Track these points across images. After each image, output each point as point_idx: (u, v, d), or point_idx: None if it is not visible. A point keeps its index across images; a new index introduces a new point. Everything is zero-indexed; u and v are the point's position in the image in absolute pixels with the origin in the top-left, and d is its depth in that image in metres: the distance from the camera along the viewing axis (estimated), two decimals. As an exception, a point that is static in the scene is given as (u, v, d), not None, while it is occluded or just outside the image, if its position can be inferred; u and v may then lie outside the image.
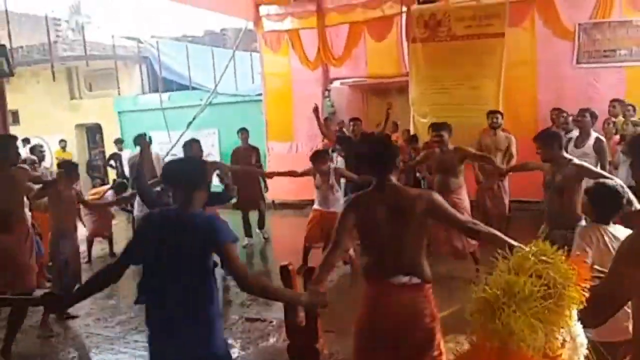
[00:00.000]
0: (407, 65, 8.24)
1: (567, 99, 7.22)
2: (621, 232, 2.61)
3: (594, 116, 5.41)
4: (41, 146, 8.10)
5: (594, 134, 5.21)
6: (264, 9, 9.24)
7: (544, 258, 1.68)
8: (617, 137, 5.76)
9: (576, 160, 3.92)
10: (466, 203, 5.16)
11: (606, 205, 2.74)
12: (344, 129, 9.78)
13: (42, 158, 7.63)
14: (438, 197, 2.49)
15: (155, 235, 2.23)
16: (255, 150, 7.51)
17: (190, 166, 2.47)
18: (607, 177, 3.46)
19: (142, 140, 4.72)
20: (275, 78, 9.76)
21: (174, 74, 12.01)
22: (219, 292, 2.33)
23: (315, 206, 5.74)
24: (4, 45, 6.03)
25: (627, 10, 7.17)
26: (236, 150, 7.44)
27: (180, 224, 2.22)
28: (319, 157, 5.69)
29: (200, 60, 11.58)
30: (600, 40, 7.20)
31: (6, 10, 7.98)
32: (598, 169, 4.33)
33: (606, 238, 2.63)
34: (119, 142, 10.61)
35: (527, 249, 1.76)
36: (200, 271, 2.20)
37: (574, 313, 1.64)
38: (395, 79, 9.05)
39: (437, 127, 5.30)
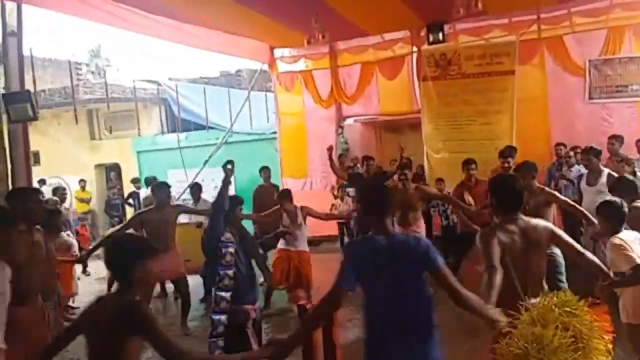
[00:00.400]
0: (419, 102, 8.37)
1: (580, 134, 7.27)
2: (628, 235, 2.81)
3: (598, 155, 5.41)
4: (64, 188, 8.32)
5: (605, 170, 5.21)
6: (278, 52, 9.54)
7: (567, 309, 1.67)
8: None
9: (547, 189, 4.48)
10: None
11: (617, 216, 2.93)
12: (358, 165, 9.90)
13: (63, 200, 7.81)
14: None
15: (370, 261, 2.23)
16: (277, 187, 7.70)
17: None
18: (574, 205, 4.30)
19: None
20: (289, 116, 9.96)
21: (192, 114, 12.32)
22: None
23: (281, 246, 5.76)
24: (28, 91, 6.21)
25: (636, 46, 7.26)
26: (259, 188, 7.74)
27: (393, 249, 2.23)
28: (285, 196, 5.85)
29: (216, 100, 11.88)
30: (612, 76, 7.27)
31: (31, 57, 8.33)
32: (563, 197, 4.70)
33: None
34: (135, 181, 10.80)
35: (550, 299, 1.76)
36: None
37: None
38: (407, 115, 9.19)
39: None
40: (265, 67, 10.08)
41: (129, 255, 2.19)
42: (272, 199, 7.25)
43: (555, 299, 1.75)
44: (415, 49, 8.23)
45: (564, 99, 7.63)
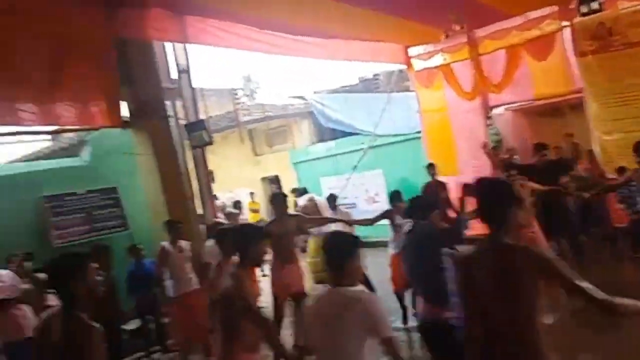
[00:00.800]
0: (579, 80, 7.48)
1: None
2: None
3: None
4: (239, 202, 9.42)
5: None
6: (413, 50, 9.38)
7: None
8: None
9: None
10: None
11: None
12: (516, 157, 9.17)
13: (241, 211, 8.87)
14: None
15: None
16: (444, 184, 7.79)
17: None
18: None
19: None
20: (432, 113, 9.72)
21: (337, 122, 12.83)
22: None
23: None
24: (203, 120, 7.19)
25: None
26: (427, 185, 7.75)
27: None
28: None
29: (358, 106, 12.19)
30: None
31: (202, 88, 9.55)
32: None
33: None
34: (294, 191, 11.59)
35: None
36: None
37: None
38: (565, 97, 8.28)
39: None
40: (402, 67, 10.01)
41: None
42: (441, 195, 7.17)
43: None
44: (566, 23, 7.35)
45: None
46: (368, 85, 13.77)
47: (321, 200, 8.85)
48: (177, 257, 5.33)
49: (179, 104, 7.15)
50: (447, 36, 8.54)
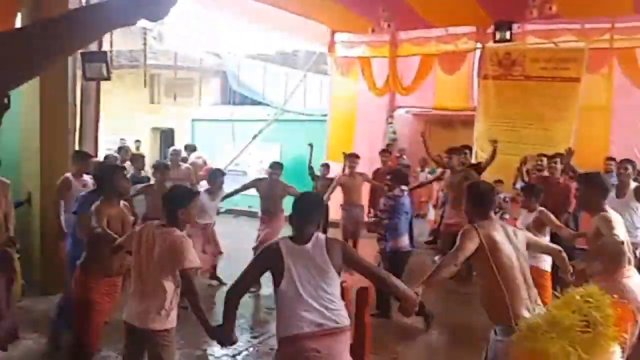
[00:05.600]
0: (476, 100, 8.30)
1: (639, 150, 7.04)
2: None
3: (635, 168, 5.31)
4: (125, 148, 8.79)
5: (633, 184, 5.05)
6: (339, 36, 9.61)
7: (590, 299, 1.88)
8: None
9: None
10: None
11: None
12: (404, 157, 9.92)
13: (125, 161, 8.19)
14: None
15: None
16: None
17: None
18: None
19: None
20: (342, 101, 10.06)
21: (249, 89, 12.62)
22: None
23: None
24: (105, 52, 6.58)
25: None
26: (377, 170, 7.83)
27: None
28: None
29: (273, 78, 12.13)
30: (681, 95, 7.00)
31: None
32: None
33: None
34: (187, 147, 11.17)
35: (578, 290, 1.99)
36: None
37: (616, 349, 1.82)
38: (461, 112, 9.12)
39: None
40: (324, 49, 10.19)
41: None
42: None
43: (582, 289, 1.97)
44: (479, 45, 8.13)
45: (628, 113, 7.40)
46: (286, 60, 13.73)
47: (207, 158, 8.81)
48: (79, 191, 4.84)
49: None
50: (373, 30, 8.90)
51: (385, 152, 8.25)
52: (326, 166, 7.90)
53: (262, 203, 6.18)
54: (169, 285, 2.73)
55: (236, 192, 6.31)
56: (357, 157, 6.85)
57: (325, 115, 10.49)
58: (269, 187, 6.11)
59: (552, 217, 4.19)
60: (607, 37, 7.25)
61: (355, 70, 9.66)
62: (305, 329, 2.30)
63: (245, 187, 6.38)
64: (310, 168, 7.62)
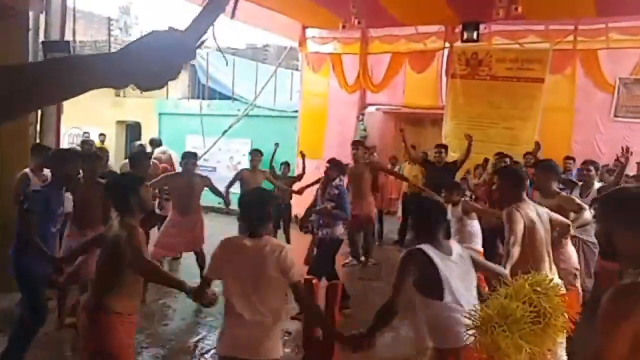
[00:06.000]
0: (444, 99, 8.42)
1: (601, 150, 7.28)
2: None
3: (597, 169, 5.46)
4: (88, 141, 8.47)
5: (596, 185, 5.17)
6: (310, 32, 9.56)
7: (538, 288, 1.89)
8: None
9: None
10: None
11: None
12: (375, 154, 9.96)
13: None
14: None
15: None
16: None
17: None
18: None
19: None
20: (313, 97, 10.03)
21: (218, 83, 12.41)
22: None
23: None
24: (68, 41, 6.36)
25: (669, 69, 7.23)
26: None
27: None
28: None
29: (243, 72, 11.96)
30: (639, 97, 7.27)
31: (74, 9, 8.44)
32: None
33: None
34: (152, 142, 10.85)
35: (525, 278, 1.99)
36: None
37: (560, 339, 1.84)
38: (430, 110, 9.24)
39: None
40: (294, 44, 10.12)
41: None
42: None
43: (530, 278, 1.97)
44: (447, 44, 8.23)
45: (589, 114, 7.64)
46: (256, 54, 13.59)
47: (175, 154, 8.63)
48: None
49: (43, 17, 6.24)
50: (343, 27, 8.88)
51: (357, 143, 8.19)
52: (286, 165, 7.88)
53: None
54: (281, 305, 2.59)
55: (228, 188, 6.22)
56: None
57: (296, 111, 10.45)
58: (252, 176, 6.22)
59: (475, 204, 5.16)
60: (570, 39, 7.45)
61: (326, 67, 9.64)
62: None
63: (232, 183, 6.39)
64: (272, 167, 7.58)
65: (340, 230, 5.25)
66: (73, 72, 0.89)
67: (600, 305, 1.55)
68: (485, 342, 1.83)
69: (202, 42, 0.96)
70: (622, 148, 4.81)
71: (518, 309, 1.81)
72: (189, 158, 5.64)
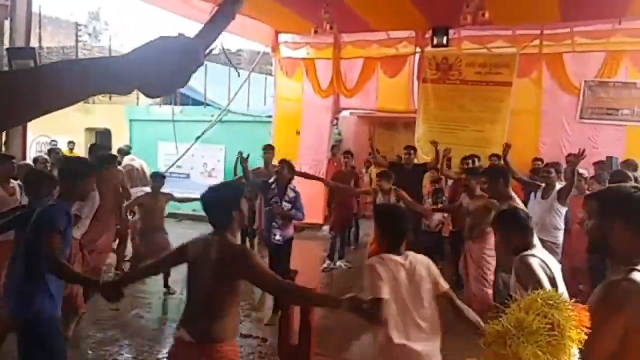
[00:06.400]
0: (416, 103, 8.51)
1: (567, 151, 7.46)
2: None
3: (558, 171, 5.59)
4: (56, 150, 8.25)
5: (558, 186, 5.28)
6: (282, 37, 9.55)
7: (550, 302, 1.93)
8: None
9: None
10: None
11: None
12: (349, 157, 9.98)
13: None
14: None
15: None
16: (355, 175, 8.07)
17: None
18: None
19: None
20: (287, 102, 10.01)
21: (190, 89, 12.28)
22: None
23: None
24: (34, 48, 6.23)
25: (632, 72, 7.47)
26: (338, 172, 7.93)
27: None
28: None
29: (216, 78, 11.87)
30: (604, 99, 7.49)
31: (40, 14, 8.25)
32: None
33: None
34: (120, 151, 10.50)
35: (537, 293, 2.04)
36: None
37: (574, 351, 1.89)
38: (403, 114, 9.32)
39: None
40: (268, 49, 10.09)
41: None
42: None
43: (541, 293, 2.02)
44: (418, 49, 8.33)
45: (556, 116, 7.83)
46: (229, 59, 13.50)
47: (144, 163, 8.52)
48: (6, 200, 4.47)
49: (7, 24, 6.09)
50: (316, 32, 8.90)
51: (343, 153, 8.42)
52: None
53: None
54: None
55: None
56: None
57: (270, 116, 10.40)
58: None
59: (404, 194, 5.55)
60: (536, 43, 7.63)
61: (299, 72, 9.64)
62: None
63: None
64: (236, 176, 7.58)
65: (292, 230, 5.31)
66: (73, 76, 0.83)
67: (590, 300, 1.60)
68: (505, 355, 1.86)
69: (211, 50, 0.95)
70: (579, 150, 4.88)
71: (534, 321, 1.86)
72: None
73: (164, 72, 0.85)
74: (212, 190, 2.50)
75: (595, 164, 6.42)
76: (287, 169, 5.28)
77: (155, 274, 3.08)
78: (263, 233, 5.49)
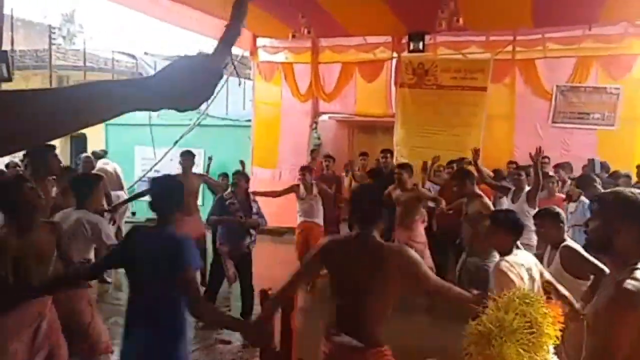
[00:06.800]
0: (394, 107, 8.60)
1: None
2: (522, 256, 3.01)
3: (528, 174, 5.71)
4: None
5: (527, 188, 5.40)
6: (261, 41, 9.54)
7: (526, 300, 2.00)
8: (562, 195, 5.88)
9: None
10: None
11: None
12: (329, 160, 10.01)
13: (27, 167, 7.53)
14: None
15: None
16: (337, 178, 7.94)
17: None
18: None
19: None
20: (265, 106, 10.01)
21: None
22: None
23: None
24: (6, 51, 6.10)
25: (602, 77, 7.70)
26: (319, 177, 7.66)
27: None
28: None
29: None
30: (576, 103, 7.70)
31: (12, 17, 8.07)
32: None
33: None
34: (95, 155, 10.28)
35: (512, 293, 2.10)
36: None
37: (550, 347, 1.96)
38: (381, 118, 9.40)
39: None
40: (246, 53, 10.07)
41: None
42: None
43: (516, 292, 2.08)
44: (395, 54, 8.43)
45: (529, 120, 8.01)
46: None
47: (117, 166, 8.42)
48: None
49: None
50: (294, 36, 8.92)
51: (324, 157, 8.38)
52: (224, 176, 7.75)
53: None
54: None
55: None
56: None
57: (249, 120, 10.38)
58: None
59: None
60: (509, 49, 7.79)
61: (278, 76, 9.65)
62: None
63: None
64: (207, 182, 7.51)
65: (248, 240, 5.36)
66: (104, 98, 0.89)
67: (598, 301, 1.66)
68: (490, 355, 1.90)
69: (227, 64, 1.06)
70: (536, 149, 4.88)
71: (514, 320, 1.91)
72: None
73: (192, 87, 0.94)
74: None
75: (555, 167, 6.62)
76: (243, 180, 5.42)
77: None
78: (222, 248, 5.37)
